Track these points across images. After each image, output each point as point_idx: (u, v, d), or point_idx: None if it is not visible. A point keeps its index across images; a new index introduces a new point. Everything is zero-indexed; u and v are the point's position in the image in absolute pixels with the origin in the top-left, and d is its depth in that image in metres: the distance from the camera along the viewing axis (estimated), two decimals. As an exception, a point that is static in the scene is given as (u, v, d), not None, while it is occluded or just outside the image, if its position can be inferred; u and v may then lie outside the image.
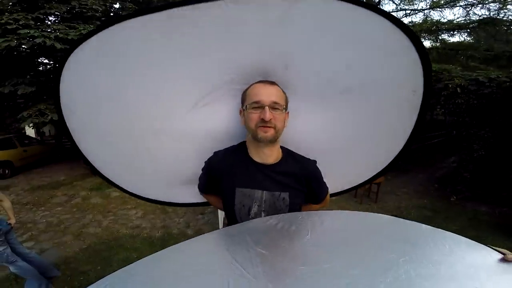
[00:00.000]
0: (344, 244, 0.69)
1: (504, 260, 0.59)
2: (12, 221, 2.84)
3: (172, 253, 0.74)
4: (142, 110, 1.12)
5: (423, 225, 0.73)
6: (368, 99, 1.11)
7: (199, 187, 1.23)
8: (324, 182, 1.14)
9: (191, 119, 1.14)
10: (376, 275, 0.56)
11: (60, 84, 1.06)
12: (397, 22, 0.97)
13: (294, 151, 1.12)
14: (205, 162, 1.13)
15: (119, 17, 0.97)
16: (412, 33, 0.99)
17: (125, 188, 1.32)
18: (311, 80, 1.08)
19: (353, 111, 1.13)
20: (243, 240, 0.75)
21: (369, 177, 1.31)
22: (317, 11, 0.94)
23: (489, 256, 0.61)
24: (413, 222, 0.75)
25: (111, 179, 1.28)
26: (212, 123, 1.16)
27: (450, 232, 0.69)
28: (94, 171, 1.26)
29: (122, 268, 0.66)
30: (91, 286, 0.59)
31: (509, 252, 0.60)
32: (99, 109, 1.11)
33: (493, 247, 0.63)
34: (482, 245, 0.65)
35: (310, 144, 1.17)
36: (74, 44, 1.01)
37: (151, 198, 1.37)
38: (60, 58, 1.08)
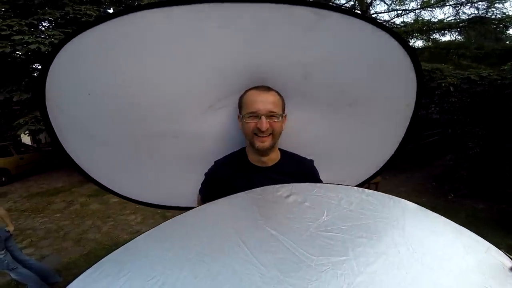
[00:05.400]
0: (362, 233, 0.63)
1: None
2: (11, 228, 2.82)
3: (171, 229, 0.67)
4: (149, 109, 1.06)
5: (447, 220, 0.69)
6: (368, 110, 1.19)
7: (201, 200, 1.19)
8: (321, 180, 1.15)
9: (205, 120, 1.12)
10: (394, 275, 0.54)
11: (48, 76, 0.95)
12: (404, 44, 1.04)
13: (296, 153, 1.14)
14: (205, 173, 1.11)
15: (134, 7, 0.88)
16: (415, 54, 1.07)
17: (119, 192, 1.27)
18: (324, 91, 1.12)
19: (353, 120, 1.21)
20: (251, 213, 0.69)
21: (363, 179, 1.39)
22: (341, 27, 0.98)
23: (503, 263, 0.60)
24: (437, 214, 0.70)
25: (100, 182, 1.22)
26: (227, 126, 1.15)
27: (471, 232, 0.66)
28: (80, 172, 1.16)
29: (118, 249, 0.62)
30: (90, 269, 0.58)
31: None
32: (95, 106, 1.03)
33: (509, 255, 0.62)
34: (499, 250, 0.62)
35: (313, 149, 1.20)
36: (74, 31, 0.90)
37: (148, 202, 1.33)
38: (53, 46, 0.94)
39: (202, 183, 1.14)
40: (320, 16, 0.93)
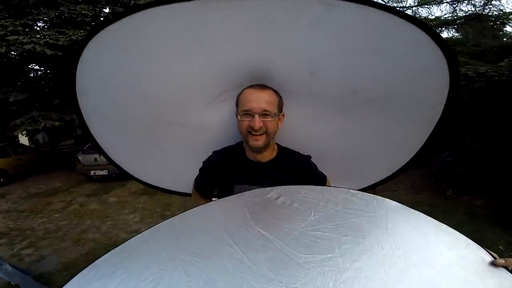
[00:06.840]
0: (348, 231, 0.66)
1: (493, 264, 0.62)
2: None
3: (164, 230, 0.69)
4: (160, 99, 1.11)
5: (428, 217, 0.71)
6: (386, 111, 1.08)
7: (195, 187, 1.23)
8: (320, 174, 1.12)
9: (209, 112, 1.15)
10: (378, 271, 0.56)
11: (78, 65, 1.04)
12: (435, 36, 0.89)
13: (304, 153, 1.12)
14: (203, 162, 1.14)
15: (148, 3, 0.91)
16: (449, 48, 0.91)
17: (129, 171, 1.35)
18: (334, 89, 1.05)
19: (367, 121, 1.12)
20: (242, 215, 0.71)
21: (370, 184, 1.31)
22: (354, 18, 0.88)
23: (482, 258, 0.63)
24: (419, 213, 0.72)
25: (116, 161, 1.31)
26: (230, 119, 1.16)
27: (452, 229, 0.68)
28: (100, 152, 1.30)
29: (112, 250, 0.63)
30: (85, 270, 0.59)
31: (498, 258, 0.64)
32: (114, 93, 1.11)
33: (488, 250, 0.65)
34: (479, 246, 0.65)
35: (322, 149, 1.16)
36: (99, 25, 0.98)
37: (155, 185, 1.41)
38: (82, 38, 1.06)
39: (199, 170, 1.18)
40: (328, 6, 0.85)
